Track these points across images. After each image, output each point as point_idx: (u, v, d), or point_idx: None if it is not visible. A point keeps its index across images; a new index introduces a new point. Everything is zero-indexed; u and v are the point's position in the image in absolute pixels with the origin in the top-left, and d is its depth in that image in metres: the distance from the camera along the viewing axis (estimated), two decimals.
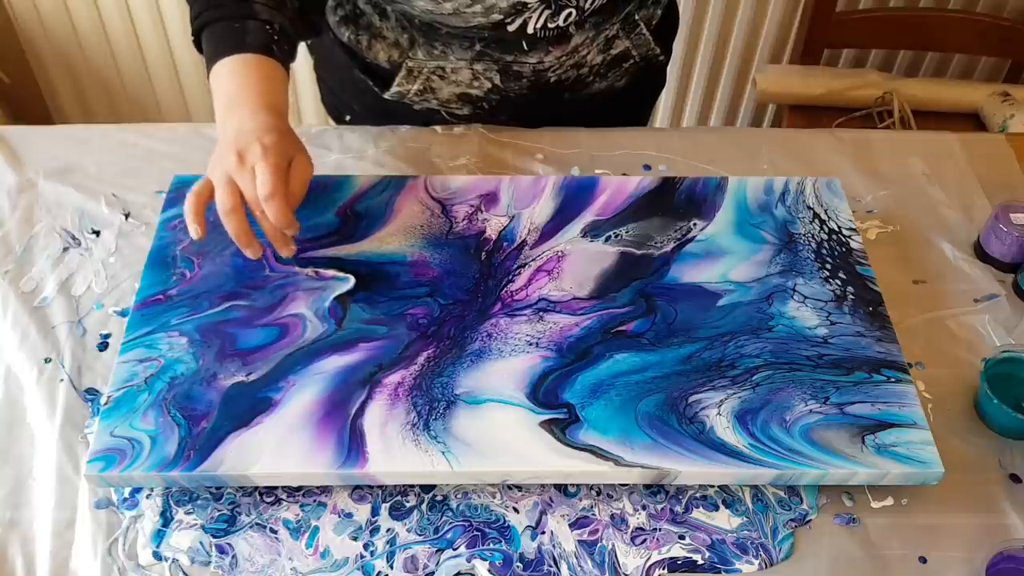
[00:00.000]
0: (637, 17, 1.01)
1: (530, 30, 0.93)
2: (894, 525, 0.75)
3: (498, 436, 0.74)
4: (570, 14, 0.92)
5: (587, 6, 0.92)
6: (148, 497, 0.75)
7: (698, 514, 0.75)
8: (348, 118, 1.14)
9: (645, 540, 0.74)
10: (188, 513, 0.74)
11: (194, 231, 0.79)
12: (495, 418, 0.75)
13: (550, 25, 0.93)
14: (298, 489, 0.76)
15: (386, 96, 1.03)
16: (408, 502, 0.76)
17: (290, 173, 0.79)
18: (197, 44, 0.86)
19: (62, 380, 0.82)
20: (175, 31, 1.74)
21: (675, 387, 0.77)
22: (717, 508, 0.76)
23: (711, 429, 0.75)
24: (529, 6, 0.90)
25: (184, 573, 0.72)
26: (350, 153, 1.02)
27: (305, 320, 0.82)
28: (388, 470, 0.72)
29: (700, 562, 0.73)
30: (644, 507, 0.75)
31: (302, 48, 0.93)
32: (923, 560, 0.73)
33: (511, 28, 0.92)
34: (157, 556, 0.72)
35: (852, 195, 0.99)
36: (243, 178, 0.77)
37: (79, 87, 1.86)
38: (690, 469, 0.73)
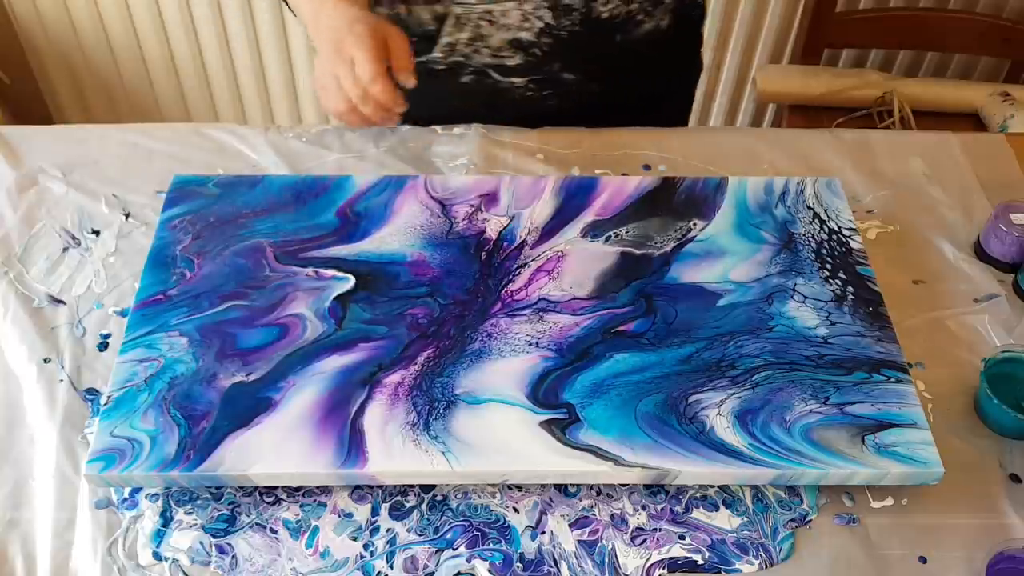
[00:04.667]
0: None
1: None
2: (894, 525, 0.75)
3: (498, 436, 0.74)
4: None
5: None
6: (148, 497, 0.75)
7: (698, 514, 0.75)
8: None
9: (645, 540, 0.74)
10: (188, 513, 0.74)
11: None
12: (495, 418, 0.75)
13: None
14: (298, 489, 0.76)
15: (436, 54, 1.02)
16: (408, 502, 0.76)
17: (389, 50, 0.86)
18: None
19: (62, 380, 0.82)
20: (175, 31, 1.74)
21: (675, 387, 0.77)
22: (717, 508, 0.76)
23: (711, 429, 0.75)
24: None
25: (184, 573, 0.72)
26: (350, 153, 1.02)
27: (305, 320, 0.82)
28: (388, 470, 0.72)
29: (700, 562, 0.73)
30: (644, 507, 0.75)
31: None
32: (923, 560, 0.73)
33: None
34: (157, 556, 0.72)
35: (852, 195, 0.99)
36: (342, 70, 0.85)
37: (79, 87, 1.86)
38: (690, 469, 0.73)
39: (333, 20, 0.86)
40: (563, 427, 0.75)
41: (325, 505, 0.75)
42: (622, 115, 1.06)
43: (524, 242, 0.89)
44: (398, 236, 0.89)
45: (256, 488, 0.76)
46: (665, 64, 1.09)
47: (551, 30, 1.00)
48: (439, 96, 1.04)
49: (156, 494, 0.75)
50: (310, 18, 0.90)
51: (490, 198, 0.93)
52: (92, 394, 0.81)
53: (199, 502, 0.75)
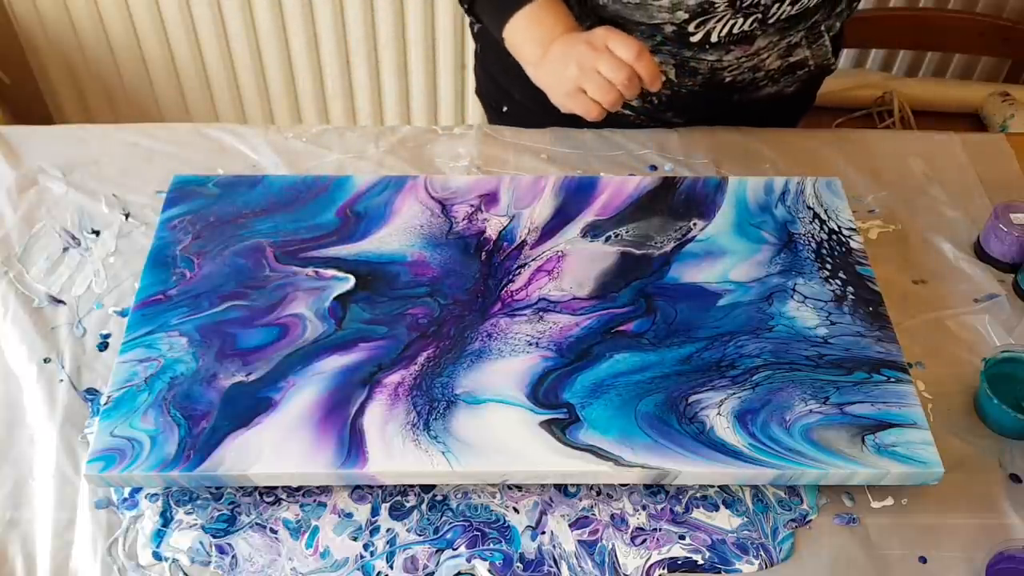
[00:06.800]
0: (823, 27, 1.00)
1: (714, 39, 0.93)
2: (894, 525, 0.75)
3: (498, 436, 0.74)
4: (756, 19, 0.92)
5: (772, 18, 0.92)
6: (148, 497, 0.75)
7: (698, 514, 0.75)
8: (505, 109, 1.13)
9: (645, 540, 0.74)
10: (188, 513, 0.74)
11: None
12: (495, 418, 0.75)
13: (735, 32, 0.92)
14: (298, 489, 0.76)
15: None
16: (408, 502, 0.76)
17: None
18: (471, 11, 0.96)
19: (62, 380, 0.82)
20: (175, 31, 1.74)
21: (675, 387, 0.77)
22: (717, 508, 0.76)
23: (711, 429, 0.75)
24: (716, 5, 0.89)
25: (184, 573, 0.72)
26: (350, 153, 1.02)
27: (305, 320, 0.82)
28: (388, 470, 0.72)
29: (700, 562, 0.73)
30: (644, 507, 0.75)
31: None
32: (923, 560, 0.73)
33: (694, 39, 0.93)
34: (157, 556, 0.72)
35: (853, 195, 0.99)
36: (602, 59, 0.82)
37: (79, 87, 1.86)
38: (690, 469, 0.73)
39: (567, 39, 0.86)
40: (563, 427, 0.75)
41: (325, 505, 0.75)
42: None
43: (524, 242, 0.89)
44: (398, 236, 0.89)
45: (256, 488, 0.76)
46: (774, 117, 1.10)
47: (671, 85, 1.00)
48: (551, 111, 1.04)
49: (156, 494, 0.75)
50: (533, 46, 0.89)
51: (490, 198, 0.93)
52: (92, 394, 0.81)
53: (199, 502, 0.75)
